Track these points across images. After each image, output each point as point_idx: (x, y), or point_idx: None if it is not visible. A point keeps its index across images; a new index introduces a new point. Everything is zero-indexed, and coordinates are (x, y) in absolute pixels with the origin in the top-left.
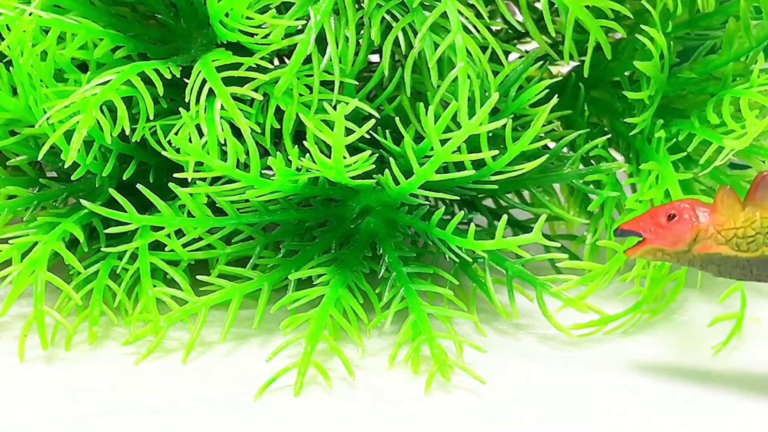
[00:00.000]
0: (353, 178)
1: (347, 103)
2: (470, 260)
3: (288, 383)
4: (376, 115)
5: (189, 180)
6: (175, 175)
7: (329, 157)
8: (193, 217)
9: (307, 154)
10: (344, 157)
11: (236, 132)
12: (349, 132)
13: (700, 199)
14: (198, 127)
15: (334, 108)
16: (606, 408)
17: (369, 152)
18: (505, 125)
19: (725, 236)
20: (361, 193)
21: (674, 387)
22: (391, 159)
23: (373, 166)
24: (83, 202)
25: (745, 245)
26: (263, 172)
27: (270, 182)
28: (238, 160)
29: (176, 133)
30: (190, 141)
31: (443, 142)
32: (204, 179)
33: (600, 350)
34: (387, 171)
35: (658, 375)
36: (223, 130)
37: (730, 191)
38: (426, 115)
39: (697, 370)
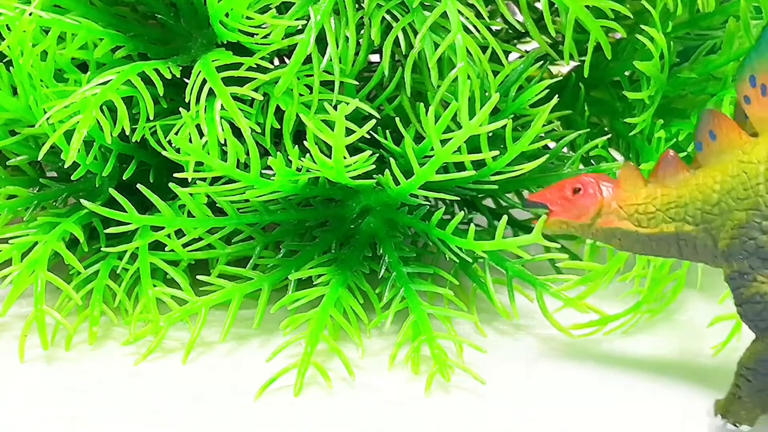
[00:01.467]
0: (353, 178)
1: (348, 104)
2: (470, 260)
3: (288, 383)
4: (376, 115)
5: (189, 180)
6: (176, 175)
7: (329, 157)
8: (193, 217)
9: (308, 154)
10: (344, 157)
11: (236, 132)
12: (349, 132)
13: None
14: (198, 127)
15: (335, 108)
16: (606, 408)
17: (369, 152)
18: (505, 125)
19: (627, 212)
20: (362, 193)
21: (674, 387)
22: (391, 159)
23: (374, 166)
24: (83, 202)
25: (646, 221)
26: (263, 172)
27: (270, 182)
28: (238, 160)
29: (176, 133)
30: (191, 141)
31: (445, 142)
32: (204, 179)
33: (600, 350)
34: (387, 171)
35: (658, 375)
36: (223, 130)
37: (634, 168)
38: (426, 115)
39: (697, 370)
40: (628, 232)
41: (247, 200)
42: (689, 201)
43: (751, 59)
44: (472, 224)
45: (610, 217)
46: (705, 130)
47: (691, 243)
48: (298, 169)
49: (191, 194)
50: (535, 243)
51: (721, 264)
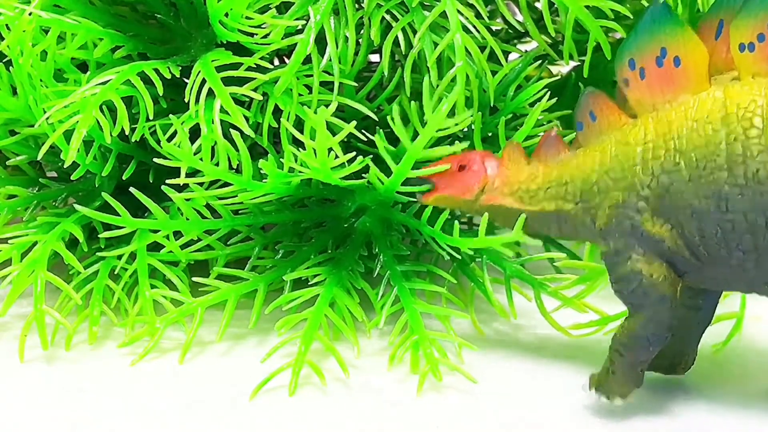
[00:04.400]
0: (345, 177)
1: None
2: (468, 259)
3: (284, 383)
4: (369, 112)
5: (183, 181)
6: (169, 181)
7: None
8: (188, 219)
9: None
10: (336, 157)
11: (229, 134)
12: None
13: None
14: (197, 126)
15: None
16: (605, 409)
17: (354, 153)
18: (497, 124)
19: (510, 189)
20: (356, 193)
21: (673, 387)
22: (371, 158)
23: (360, 165)
24: (78, 207)
25: (528, 199)
26: (262, 173)
27: (263, 184)
28: (233, 162)
29: (173, 136)
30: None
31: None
32: (201, 182)
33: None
34: (372, 169)
35: (657, 375)
36: (222, 130)
37: (517, 146)
38: (423, 113)
39: (697, 370)
40: (510, 209)
41: (241, 202)
42: (569, 180)
43: (630, 43)
44: (456, 221)
45: (494, 194)
46: (586, 110)
47: (571, 221)
48: (291, 170)
49: (187, 198)
50: (517, 240)
51: (598, 242)
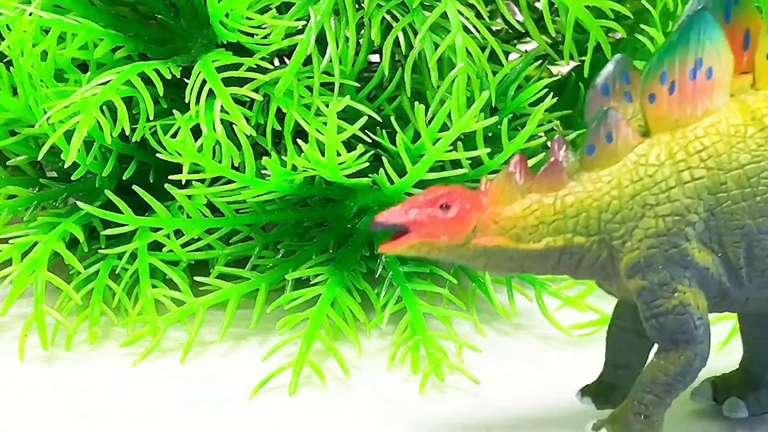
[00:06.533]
0: (349, 176)
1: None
2: None
3: (286, 383)
4: (373, 114)
5: (185, 181)
6: (171, 177)
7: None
8: (190, 218)
9: (302, 153)
10: (339, 154)
11: (232, 132)
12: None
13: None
14: (197, 127)
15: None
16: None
17: (362, 149)
18: (500, 124)
19: (504, 227)
20: (359, 193)
21: None
22: (384, 158)
23: (367, 164)
24: (80, 203)
25: (526, 236)
26: (263, 172)
27: (266, 182)
28: (235, 161)
29: (173, 136)
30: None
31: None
32: (203, 180)
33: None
34: (381, 170)
35: None
36: (222, 130)
37: (507, 176)
38: (426, 114)
39: None
40: (504, 250)
41: (244, 200)
42: (581, 210)
43: (666, 55)
44: None
45: (486, 235)
46: (602, 132)
47: (577, 256)
48: (294, 168)
49: (189, 195)
50: None
51: (616, 278)
